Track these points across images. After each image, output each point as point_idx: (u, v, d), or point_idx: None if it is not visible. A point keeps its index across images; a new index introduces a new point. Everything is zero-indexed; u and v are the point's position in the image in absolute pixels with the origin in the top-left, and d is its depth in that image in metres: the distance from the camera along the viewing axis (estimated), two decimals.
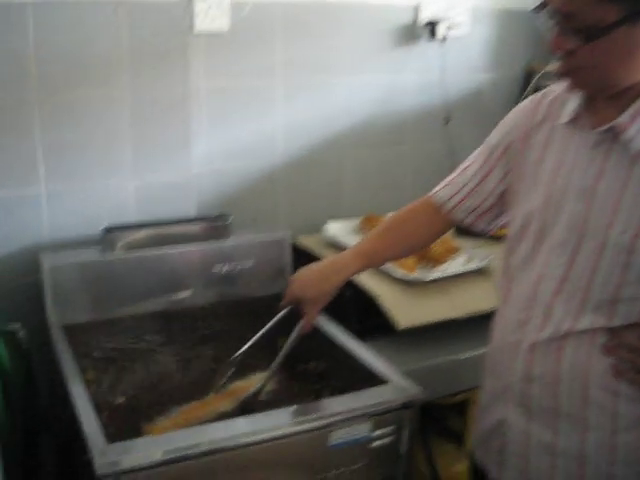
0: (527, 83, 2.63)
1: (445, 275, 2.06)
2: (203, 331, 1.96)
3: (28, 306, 1.95)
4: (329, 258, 1.64)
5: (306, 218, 2.39)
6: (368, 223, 2.29)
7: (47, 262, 1.90)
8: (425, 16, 2.41)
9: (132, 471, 1.28)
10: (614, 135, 1.21)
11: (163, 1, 2.01)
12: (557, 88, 1.36)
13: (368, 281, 1.97)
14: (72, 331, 1.85)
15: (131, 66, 2.01)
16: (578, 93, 1.27)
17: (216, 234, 2.11)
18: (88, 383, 1.63)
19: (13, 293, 1.99)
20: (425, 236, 1.61)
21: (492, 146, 1.46)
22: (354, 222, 2.35)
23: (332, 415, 1.48)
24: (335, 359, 1.78)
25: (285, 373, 1.74)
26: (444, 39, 2.43)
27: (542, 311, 1.30)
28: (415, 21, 2.41)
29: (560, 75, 1.23)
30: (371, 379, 1.63)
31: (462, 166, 1.53)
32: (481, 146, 1.50)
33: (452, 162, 2.45)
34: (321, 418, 1.47)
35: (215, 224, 2.12)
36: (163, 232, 2.05)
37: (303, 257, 2.20)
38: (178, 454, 1.33)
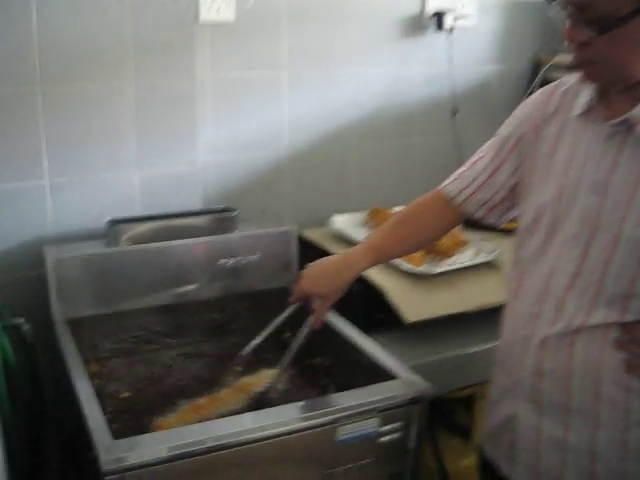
0: (535, 75, 2.61)
1: (453, 268, 2.04)
2: (209, 325, 1.96)
3: (32, 300, 1.94)
4: (339, 253, 1.62)
5: (312, 210, 2.38)
6: (375, 216, 2.28)
7: (51, 256, 1.89)
8: (432, 7, 2.39)
9: (138, 468, 1.28)
10: (628, 127, 1.19)
11: None
12: (570, 79, 1.35)
13: (375, 275, 1.95)
14: (76, 325, 1.84)
15: (136, 57, 2.00)
16: (591, 85, 1.25)
17: (222, 227, 2.10)
18: (93, 377, 1.63)
19: (17, 287, 1.98)
20: (436, 229, 1.59)
21: (503, 138, 1.44)
22: (361, 215, 2.33)
23: (340, 410, 1.46)
24: (342, 354, 1.77)
25: (292, 368, 1.73)
26: (451, 30, 2.41)
27: (554, 305, 1.28)
28: (422, 12, 2.40)
29: (573, 67, 1.21)
30: (379, 374, 1.62)
31: (473, 159, 1.51)
32: (492, 138, 1.48)
33: (459, 154, 2.45)
34: (329, 413, 1.45)
35: (221, 217, 2.11)
36: (168, 225, 2.04)
37: (309, 250, 2.19)
38: (184, 450, 1.32)
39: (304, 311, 1.61)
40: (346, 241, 2.17)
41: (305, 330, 1.58)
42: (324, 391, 1.68)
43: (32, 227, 2.00)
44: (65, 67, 1.93)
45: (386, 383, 1.57)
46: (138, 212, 2.10)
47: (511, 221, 1.51)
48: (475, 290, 1.99)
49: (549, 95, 1.37)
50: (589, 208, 1.23)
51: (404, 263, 2.00)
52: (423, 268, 2.02)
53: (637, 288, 1.19)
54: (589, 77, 1.22)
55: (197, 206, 2.19)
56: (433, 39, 2.43)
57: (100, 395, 1.53)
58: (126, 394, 1.63)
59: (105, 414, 1.44)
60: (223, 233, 2.09)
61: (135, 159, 2.08)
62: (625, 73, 1.16)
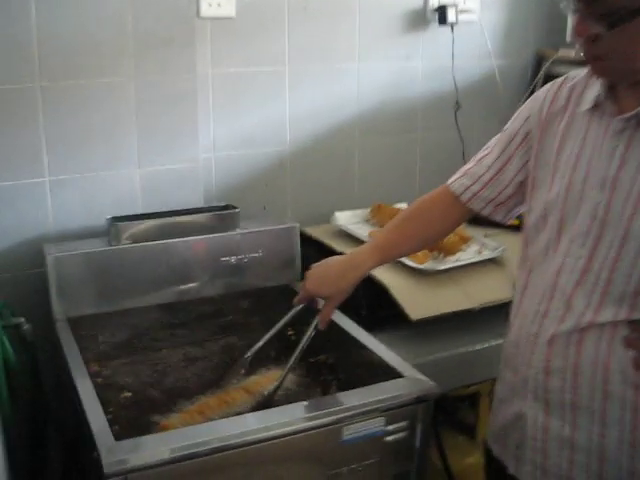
0: (538, 69, 2.62)
1: (458, 264, 2.03)
2: (211, 323, 1.94)
3: (32, 299, 1.93)
4: (345, 254, 1.61)
5: (314, 207, 2.37)
6: (378, 212, 2.26)
7: (51, 254, 1.87)
8: (435, 1, 2.39)
9: (141, 469, 1.26)
10: (637, 122, 1.18)
11: None
12: (577, 74, 1.34)
13: (378, 271, 1.93)
14: (77, 324, 1.83)
15: (136, 53, 1.99)
16: (599, 80, 1.24)
17: (224, 224, 2.08)
18: (94, 377, 1.61)
19: (17, 286, 1.97)
20: (442, 227, 1.58)
21: (510, 135, 1.42)
22: (363, 211, 2.31)
23: (345, 410, 1.45)
24: (346, 351, 1.76)
25: (296, 366, 1.71)
26: (454, 24, 2.39)
27: (562, 303, 1.27)
28: (425, 6, 2.39)
29: (582, 62, 1.19)
30: (383, 372, 1.61)
31: (479, 155, 1.49)
32: (499, 134, 1.47)
33: (462, 149, 2.44)
34: (333, 413, 1.44)
35: (222, 214, 2.09)
36: (170, 223, 2.02)
37: (312, 247, 2.17)
38: (187, 451, 1.30)
39: (309, 310, 1.59)
40: (349, 237, 2.15)
41: (310, 331, 1.56)
42: (327, 390, 1.66)
43: (32, 225, 1.98)
44: (65, 63, 1.91)
45: (391, 382, 1.56)
46: (139, 210, 2.08)
47: (516, 218, 1.50)
48: (479, 287, 1.98)
49: (556, 91, 1.35)
50: (597, 205, 1.22)
51: (408, 260, 1.98)
52: (427, 265, 2.00)
53: None
54: (598, 72, 1.20)
55: (199, 203, 2.17)
56: (436, 34, 2.42)
57: (101, 395, 1.51)
58: (128, 394, 1.61)
59: (106, 414, 1.43)
60: (225, 231, 2.07)
61: (136, 156, 2.06)
62: (635, 68, 1.15)
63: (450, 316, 1.91)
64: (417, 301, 1.88)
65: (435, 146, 2.54)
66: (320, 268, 1.58)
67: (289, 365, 1.57)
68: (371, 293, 1.92)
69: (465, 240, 2.16)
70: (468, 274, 2.03)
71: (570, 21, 2.48)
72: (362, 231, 2.16)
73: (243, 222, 2.12)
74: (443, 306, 1.90)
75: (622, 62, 1.14)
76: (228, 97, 2.15)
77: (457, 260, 2.07)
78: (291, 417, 1.42)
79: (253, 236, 2.09)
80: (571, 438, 1.29)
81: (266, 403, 1.53)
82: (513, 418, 1.39)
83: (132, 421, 1.48)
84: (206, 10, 2.03)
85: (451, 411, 2.27)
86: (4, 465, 1.41)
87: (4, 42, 1.83)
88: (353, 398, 1.49)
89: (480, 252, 2.13)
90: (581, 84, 1.30)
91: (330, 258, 1.59)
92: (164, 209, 2.08)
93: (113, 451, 1.29)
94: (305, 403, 1.49)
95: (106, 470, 1.25)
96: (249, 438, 1.36)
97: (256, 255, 2.08)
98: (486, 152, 1.47)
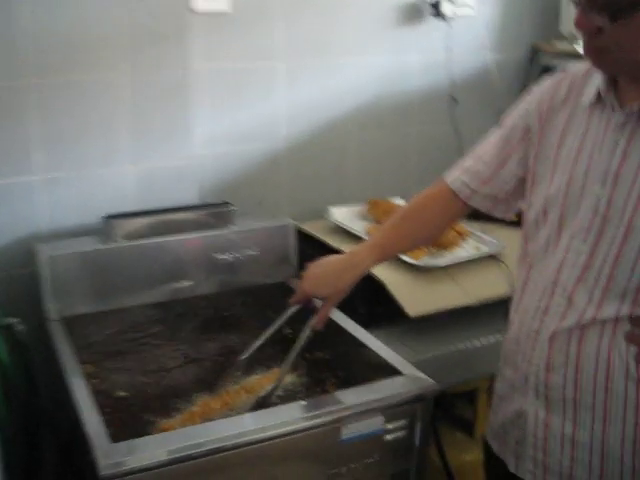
0: (533, 62, 2.61)
1: (459, 261, 2.01)
2: (207, 321, 1.93)
3: (25, 299, 1.91)
4: (343, 253, 1.59)
5: (310, 202, 2.35)
6: (374, 207, 2.25)
7: (44, 253, 1.86)
8: None
9: (138, 472, 1.25)
10: (639, 116, 1.17)
11: None
12: (577, 68, 1.32)
13: (375, 268, 1.91)
14: (71, 323, 1.82)
15: (130, 48, 1.97)
16: (600, 74, 1.22)
17: (219, 222, 2.07)
18: (89, 377, 1.60)
19: (10, 285, 1.95)
20: (441, 224, 1.56)
21: (509, 130, 1.41)
22: (360, 207, 2.30)
23: (343, 409, 1.44)
24: (344, 349, 1.75)
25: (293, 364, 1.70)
26: (449, 18, 2.38)
27: (563, 299, 1.26)
28: (420, 0, 2.36)
29: (584, 55, 1.17)
30: (381, 370, 1.59)
31: (478, 152, 1.47)
32: (497, 130, 1.45)
33: (458, 143, 2.43)
34: (332, 412, 1.43)
35: (218, 211, 2.07)
36: (164, 220, 2.01)
37: (308, 243, 2.16)
38: (184, 453, 1.29)
39: (306, 309, 1.57)
40: (345, 233, 2.14)
41: (307, 331, 1.54)
42: (325, 387, 1.65)
43: (23, 224, 1.96)
44: (57, 60, 1.89)
45: (390, 380, 1.55)
46: (133, 207, 2.06)
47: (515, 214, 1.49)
48: (477, 283, 1.97)
49: (556, 85, 1.34)
50: (599, 200, 1.21)
51: (404, 255, 1.96)
52: (425, 261, 1.99)
53: None
54: (599, 66, 1.18)
55: (193, 200, 2.16)
56: (431, 27, 2.40)
57: (97, 396, 1.50)
58: (123, 394, 1.59)
59: (102, 415, 1.41)
60: (220, 227, 2.06)
61: (129, 153, 2.05)
62: (637, 61, 1.13)
63: (447, 312, 1.89)
64: (415, 298, 1.87)
65: (431, 140, 2.53)
66: (317, 268, 1.55)
67: (286, 366, 1.55)
68: (367, 289, 1.91)
69: (462, 235, 2.14)
70: (465, 270, 2.01)
71: (564, 13, 2.48)
72: (358, 227, 2.15)
73: (238, 219, 2.10)
74: (441, 302, 1.89)
75: (624, 55, 1.12)
76: (223, 92, 2.13)
77: (454, 255, 2.05)
78: (289, 417, 1.41)
79: (248, 233, 2.08)
80: (572, 435, 1.28)
81: (264, 403, 1.52)
82: (513, 415, 1.38)
83: (128, 422, 1.47)
84: (201, 4, 2.01)
85: (449, 407, 2.26)
86: None
87: None
88: (352, 397, 1.47)
89: (478, 248, 2.11)
90: (581, 78, 1.29)
91: (327, 257, 1.57)
92: (159, 206, 2.06)
93: (109, 454, 1.27)
94: (303, 402, 1.48)
95: (102, 473, 1.23)
96: (247, 438, 1.34)
97: (252, 252, 2.07)
98: (485, 148, 1.45)
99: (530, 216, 1.35)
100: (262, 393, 1.53)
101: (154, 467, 1.26)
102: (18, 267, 1.96)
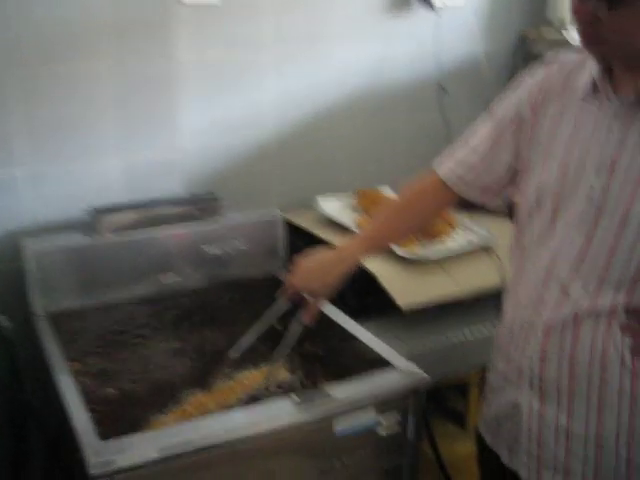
0: (521, 51, 2.60)
1: (451, 254, 2.00)
2: (196, 315, 1.91)
3: (10, 295, 1.89)
4: (334, 247, 1.57)
5: (299, 192, 2.34)
6: (363, 199, 2.23)
7: (29, 247, 1.83)
8: None
9: (128, 470, 1.23)
10: (635, 105, 1.16)
11: None
12: (569, 56, 1.31)
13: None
14: (58, 319, 1.79)
15: (115, 39, 1.94)
16: (595, 62, 1.21)
17: (206, 214, 2.05)
18: (76, 374, 1.58)
19: None
20: (432, 214, 1.56)
21: (501, 119, 1.39)
22: (348, 198, 2.28)
23: (336, 403, 1.43)
24: (335, 343, 1.74)
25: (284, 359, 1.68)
26: (438, 8, 2.36)
27: (558, 290, 1.25)
28: None
29: (580, 43, 1.16)
30: (374, 363, 1.58)
31: (470, 143, 1.45)
32: (488, 120, 1.43)
33: (447, 132, 2.41)
34: (324, 406, 1.41)
35: (205, 204, 2.05)
36: (151, 213, 1.98)
37: (296, 234, 2.14)
38: (175, 451, 1.27)
39: (296, 304, 1.56)
40: (334, 224, 2.12)
41: (297, 326, 1.53)
42: (316, 380, 1.63)
43: (7, 218, 1.93)
44: (40, 51, 1.86)
45: (382, 374, 1.53)
46: (119, 200, 2.03)
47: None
48: (469, 274, 1.95)
49: (549, 74, 1.32)
50: (594, 189, 1.19)
51: (395, 246, 1.94)
52: (417, 253, 1.97)
53: None
54: (595, 54, 1.17)
55: (180, 192, 2.14)
56: (419, 17, 2.38)
57: (84, 392, 1.48)
58: (112, 391, 1.57)
59: (90, 412, 1.39)
60: (208, 220, 2.04)
61: (114, 145, 2.02)
62: (634, 51, 1.12)
63: (438, 305, 1.88)
64: (406, 289, 1.85)
65: (420, 129, 2.51)
66: (307, 262, 1.53)
67: (277, 361, 1.53)
68: (357, 280, 1.89)
69: (452, 224, 2.12)
70: (456, 261, 2.00)
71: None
72: (347, 218, 2.13)
73: (226, 210, 2.08)
74: (432, 293, 1.87)
75: (622, 44, 1.11)
76: (209, 83, 2.11)
77: (446, 248, 2.03)
78: (281, 412, 1.40)
79: (237, 226, 2.06)
80: (567, 426, 1.27)
81: (256, 398, 1.50)
82: (507, 407, 1.37)
83: (117, 419, 1.46)
84: None
85: (440, 399, 2.26)
86: None
87: None
88: (344, 391, 1.46)
89: (466, 237, 2.10)
90: (576, 67, 1.27)
91: (317, 251, 1.55)
92: (145, 199, 2.03)
93: (99, 452, 1.25)
94: (295, 397, 1.45)
95: (92, 471, 1.21)
96: (239, 434, 1.33)
97: (240, 245, 2.05)
98: (477, 138, 1.43)
99: (524, 206, 1.33)
100: (254, 389, 1.52)
101: (145, 465, 1.24)
102: (3, 262, 1.93)
